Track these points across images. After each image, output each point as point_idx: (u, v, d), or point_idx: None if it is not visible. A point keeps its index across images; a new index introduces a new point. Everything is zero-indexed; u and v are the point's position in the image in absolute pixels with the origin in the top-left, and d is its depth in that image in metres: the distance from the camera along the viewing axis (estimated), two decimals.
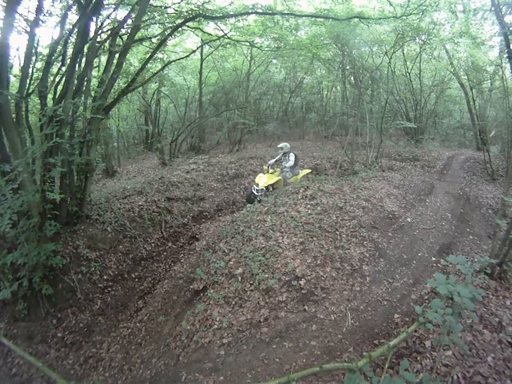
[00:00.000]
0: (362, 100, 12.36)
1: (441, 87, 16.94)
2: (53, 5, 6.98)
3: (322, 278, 4.88)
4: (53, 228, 5.85)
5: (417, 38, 12.88)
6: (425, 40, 13.25)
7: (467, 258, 2.91)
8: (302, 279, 4.78)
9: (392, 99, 14.48)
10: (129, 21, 7.69)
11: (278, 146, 10.00)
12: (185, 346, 4.26)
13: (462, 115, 20.25)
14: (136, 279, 6.97)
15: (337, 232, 5.86)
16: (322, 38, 12.01)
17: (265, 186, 9.06)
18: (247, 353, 3.92)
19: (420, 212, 7.25)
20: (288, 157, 9.74)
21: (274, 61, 17.05)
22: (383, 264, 5.35)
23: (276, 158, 9.97)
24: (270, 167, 9.56)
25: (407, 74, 15.77)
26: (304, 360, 3.74)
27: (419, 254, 5.74)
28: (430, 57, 15.78)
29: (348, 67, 13.99)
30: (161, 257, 7.64)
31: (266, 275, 4.90)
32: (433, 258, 5.64)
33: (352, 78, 15.35)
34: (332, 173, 11.42)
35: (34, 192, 5.42)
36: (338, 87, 19.05)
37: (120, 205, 8.07)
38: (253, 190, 9.18)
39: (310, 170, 10.66)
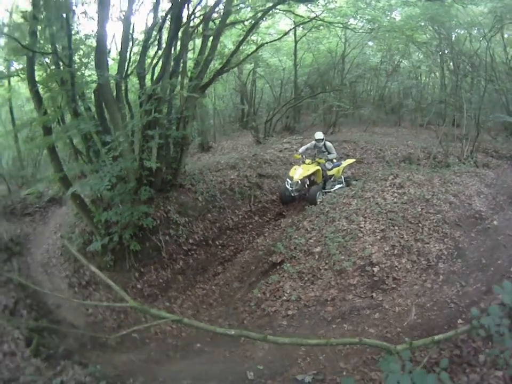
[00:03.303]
0: (460, 88, 11.38)
1: None
2: None
3: (396, 268, 4.86)
4: (147, 192, 6.53)
5: None
6: None
7: None
8: (376, 266, 4.83)
9: (492, 89, 13.05)
10: (221, 6, 7.98)
11: (317, 138, 8.55)
12: (252, 312, 4.63)
13: None
14: (219, 246, 7.47)
15: (419, 225, 5.71)
16: (416, 20, 11.26)
17: (300, 180, 7.93)
18: (307, 328, 4.12)
19: (508, 216, 6.57)
20: (326, 147, 8.57)
21: (370, 43, 16.37)
22: (460, 265, 5.07)
23: (307, 146, 8.80)
24: (303, 156, 8.36)
25: (508, 61, 14.00)
26: (358, 346, 3.72)
27: (498, 262, 5.24)
28: None
29: (446, 51, 12.91)
30: (246, 229, 8.01)
31: (343, 257, 5.06)
32: None
33: (451, 64, 14.10)
34: (425, 163, 10.79)
35: (132, 160, 6.15)
36: (436, 73, 17.63)
37: (213, 177, 8.64)
38: (287, 185, 8.06)
39: (354, 160, 9.63)
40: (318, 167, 8.17)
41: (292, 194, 8.02)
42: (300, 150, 8.55)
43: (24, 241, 8.73)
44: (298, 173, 7.89)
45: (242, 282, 5.97)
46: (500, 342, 2.16)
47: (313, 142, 8.67)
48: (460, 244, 5.46)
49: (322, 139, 8.52)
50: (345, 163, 9.03)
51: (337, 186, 8.68)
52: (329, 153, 8.53)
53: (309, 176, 8.13)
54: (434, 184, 7.06)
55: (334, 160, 8.72)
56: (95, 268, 2.46)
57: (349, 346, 3.75)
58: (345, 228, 5.71)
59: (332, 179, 8.59)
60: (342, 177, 9.00)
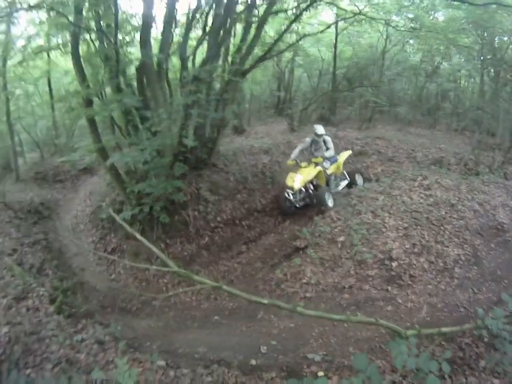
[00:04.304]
0: (499, 97, 11.14)
1: None
2: None
3: (414, 266, 5.01)
4: (181, 168, 6.83)
5: None
6: None
7: None
8: (395, 262, 5.01)
9: None
10: None
11: (318, 132, 7.57)
12: (272, 291, 4.89)
13: None
14: (246, 227, 7.61)
15: (441, 228, 5.78)
16: (459, 23, 11.00)
17: (303, 186, 7.09)
18: (322, 311, 4.23)
19: None
20: (325, 143, 7.59)
21: (411, 41, 16.02)
22: (475, 272, 5.12)
23: (301, 147, 7.76)
24: (298, 161, 7.37)
25: None
26: (368, 334, 3.92)
27: None
28: None
29: (487, 57, 12.57)
30: (273, 213, 7.98)
31: (364, 248, 5.27)
32: None
33: (491, 71, 13.72)
34: (455, 169, 10.67)
35: (172, 136, 6.47)
36: (476, 79, 17.17)
37: (246, 159, 8.85)
38: (287, 196, 7.18)
39: (350, 152, 8.70)
40: (319, 168, 7.31)
41: (297, 205, 7.32)
42: (292, 155, 7.55)
43: (53, 206, 9.28)
44: (298, 180, 6.99)
45: (264, 263, 6.17)
46: (501, 346, 2.32)
47: (308, 139, 7.85)
48: (478, 252, 5.48)
49: (321, 134, 7.62)
50: (341, 157, 8.18)
51: (343, 183, 8.08)
52: (327, 148, 7.63)
53: (311, 181, 7.27)
54: (461, 190, 7.04)
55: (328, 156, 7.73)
56: (139, 235, 2.74)
57: (359, 334, 3.95)
58: (370, 221, 5.87)
59: (333, 177, 7.86)
60: (344, 172, 8.27)
